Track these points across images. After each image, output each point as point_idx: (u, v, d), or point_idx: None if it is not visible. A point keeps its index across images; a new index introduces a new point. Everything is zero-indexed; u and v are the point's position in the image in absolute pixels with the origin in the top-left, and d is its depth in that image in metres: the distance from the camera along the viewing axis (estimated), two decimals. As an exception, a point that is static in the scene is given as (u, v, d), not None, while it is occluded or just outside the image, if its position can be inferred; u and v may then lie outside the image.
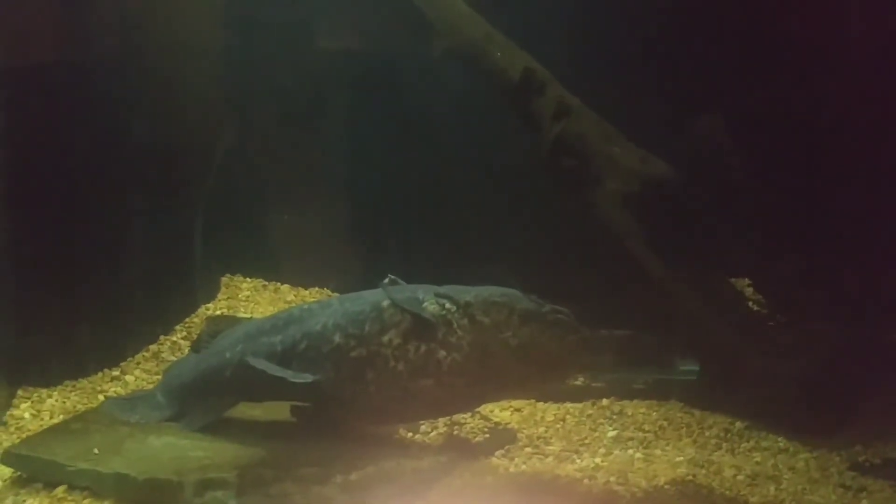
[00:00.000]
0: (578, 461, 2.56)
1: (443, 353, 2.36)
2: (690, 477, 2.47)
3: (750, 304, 3.04)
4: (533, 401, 2.98)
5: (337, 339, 2.41)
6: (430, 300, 2.40)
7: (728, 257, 3.03)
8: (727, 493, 2.45)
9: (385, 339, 2.37)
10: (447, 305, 2.39)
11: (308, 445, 2.48)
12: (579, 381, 3.08)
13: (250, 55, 3.25)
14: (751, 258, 3.05)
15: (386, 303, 2.41)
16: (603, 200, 2.94)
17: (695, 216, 3.01)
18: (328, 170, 3.42)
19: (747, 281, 3.06)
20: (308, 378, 2.40)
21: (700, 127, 3.03)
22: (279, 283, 3.52)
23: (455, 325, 2.36)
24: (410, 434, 2.64)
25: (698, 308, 2.94)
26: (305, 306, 2.62)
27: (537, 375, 2.48)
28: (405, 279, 2.58)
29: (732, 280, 3.09)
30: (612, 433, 2.76)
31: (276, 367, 2.43)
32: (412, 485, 2.45)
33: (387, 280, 2.58)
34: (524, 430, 2.73)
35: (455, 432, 2.69)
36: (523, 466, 2.54)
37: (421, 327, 2.36)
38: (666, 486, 2.44)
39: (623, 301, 2.92)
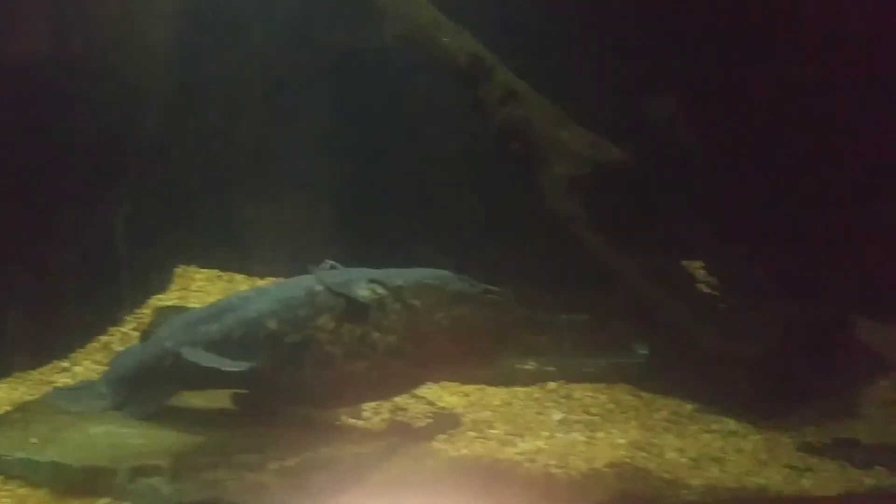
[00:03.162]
0: (521, 444, 2.54)
1: (377, 335, 2.37)
2: (629, 459, 2.46)
3: (702, 286, 3.05)
4: (483, 385, 2.98)
5: (272, 325, 2.41)
6: (362, 284, 2.41)
7: (681, 240, 3.04)
8: (667, 475, 2.44)
9: (319, 323, 2.37)
10: (379, 289, 2.39)
11: (246, 432, 2.47)
12: (530, 366, 3.05)
13: (200, 46, 3.26)
14: (704, 241, 3.07)
15: (319, 287, 2.41)
16: (550, 184, 2.94)
17: (646, 199, 3.02)
18: (282, 159, 3.44)
19: (700, 263, 3.09)
20: (242, 366, 2.38)
21: (653, 109, 3.04)
22: (233, 273, 3.51)
23: (388, 308, 2.37)
24: (352, 420, 2.61)
25: (648, 290, 2.95)
26: (242, 294, 2.63)
27: (473, 356, 2.49)
28: (358, 265, 2.57)
29: (686, 263, 3.12)
30: (558, 416, 2.75)
31: (209, 356, 2.42)
32: (350, 470, 2.44)
33: (325, 265, 2.61)
34: (469, 415, 2.72)
35: (398, 417, 2.69)
36: (464, 450, 2.52)
37: (354, 310, 2.36)
38: (604, 469, 2.43)
39: (574, 285, 2.95)
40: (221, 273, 3.46)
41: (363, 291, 2.38)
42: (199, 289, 3.35)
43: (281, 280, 2.65)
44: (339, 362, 2.35)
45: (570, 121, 2.98)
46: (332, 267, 2.55)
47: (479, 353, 2.46)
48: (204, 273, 3.46)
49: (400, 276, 2.43)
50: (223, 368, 2.38)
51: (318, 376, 2.38)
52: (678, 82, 3.04)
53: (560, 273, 3.05)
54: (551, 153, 2.93)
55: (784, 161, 3.11)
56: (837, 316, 3.10)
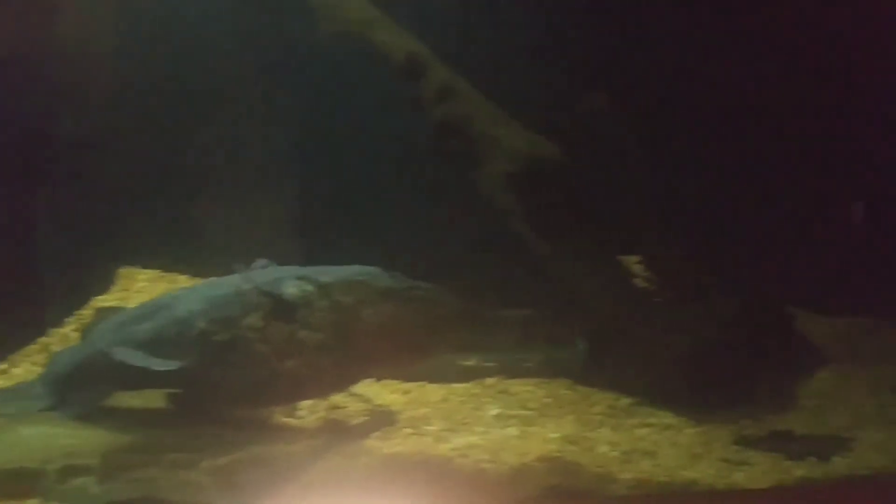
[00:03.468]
0: (455, 440, 2.55)
1: (305, 333, 2.39)
2: (559, 453, 2.47)
3: (639, 281, 3.07)
4: (424, 382, 2.99)
5: (201, 324, 2.42)
6: (290, 282, 2.42)
7: (617, 235, 3.07)
8: (597, 469, 2.45)
9: (247, 322, 2.39)
10: (306, 286, 2.41)
11: (180, 431, 2.47)
12: (470, 362, 3.07)
13: (141, 43, 3.25)
14: (641, 236, 3.09)
15: (248, 286, 2.42)
16: (487, 181, 2.98)
17: (583, 195, 3.04)
18: (225, 158, 3.43)
19: (637, 258, 3.11)
20: (171, 365, 2.40)
21: (585, 105, 3.06)
22: (177, 274, 3.52)
23: (315, 306, 2.40)
24: (287, 418, 2.62)
25: (585, 285, 2.98)
26: (174, 293, 2.64)
27: (404, 352, 2.52)
28: (300, 263, 2.61)
29: (623, 258, 3.14)
30: (494, 412, 2.76)
31: (140, 356, 2.42)
32: (283, 468, 2.46)
33: (259, 263, 2.62)
34: (407, 412, 2.73)
35: (334, 416, 2.70)
36: (399, 447, 2.53)
37: (281, 309, 2.38)
38: (535, 463, 2.45)
39: (510, 281, 2.97)
40: (164, 273, 3.45)
41: (291, 289, 2.40)
42: (141, 289, 3.34)
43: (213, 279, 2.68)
44: (269, 361, 2.37)
45: (506, 118, 3.01)
46: (266, 265, 2.59)
47: (409, 349, 2.48)
48: (147, 273, 3.45)
49: (328, 273, 2.45)
50: (152, 368, 2.40)
51: (248, 375, 2.39)
52: (612, 78, 3.08)
53: (502, 269, 3.08)
54: (488, 150, 2.95)
55: (722, 155, 3.16)
56: (776, 309, 3.16)
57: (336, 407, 2.72)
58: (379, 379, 2.95)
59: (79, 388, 2.56)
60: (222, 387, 2.42)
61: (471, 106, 2.97)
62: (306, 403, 2.70)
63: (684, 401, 2.85)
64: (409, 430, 2.62)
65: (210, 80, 3.22)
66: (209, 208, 3.31)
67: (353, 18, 3.03)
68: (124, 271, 3.46)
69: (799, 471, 2.56)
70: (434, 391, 2.90)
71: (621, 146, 3.01)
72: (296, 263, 2.62)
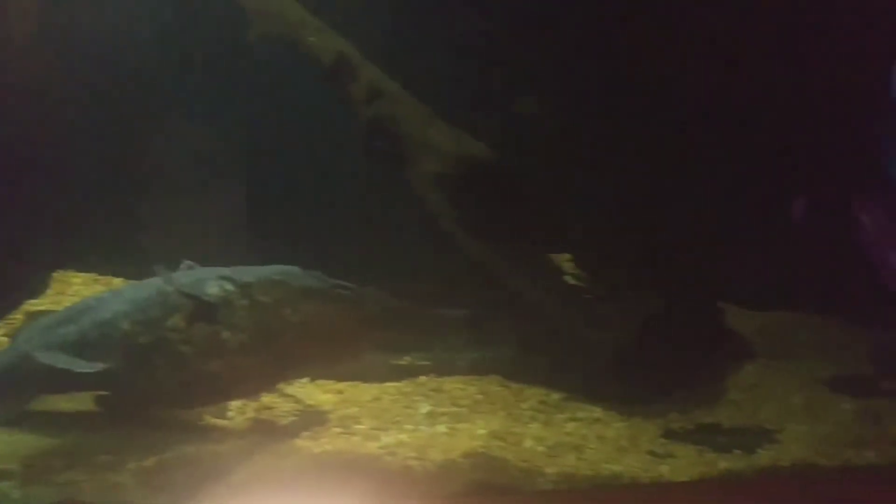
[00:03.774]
0: (384, 438, 2.56)
1: (227, 334, 2.41)
2: (485, 449, 2.49)
3: (569, 278, 3.11)
4: (358, 382, 2.99)
5: (124, 325, 2.44)
6: (212, 282, 2.45)
7: (549, 234, 3.10)
8: (523, 464, 2.48)
9: (170, 323, 2.41)
10: (228, 286, 2.43)
11: (106, 434, 2.48)
12: (404, 361, 3.08)
13: (71, 43, 3.23)
14: (572, 234, 3.13)
15: (170, 288, 2.45)
16: (417, 181, 3.00)
17: (513, 194, 3.08)
18: (158, 160, 3.42)
19: (568, 256, 3.14)
20: (95, 367, 2.40)
21: (519, 106, 3.09)
22: (111, 277, 3.51)
23: (236, 306, 2.42)
24: (216, 419, 2.61)
25: (516, 283, 3.01)
26: (99, 295, 2.64)
27: (328, 352, 2.54)
28: (231, 264, 2.61)
29: (554, 256, 3.18)
30: (425, 410, 2.77)
31: (63, 358, 2.43)
32: (210, 469, 2.46)
33: (184, 265, 2.62)
34: (337, 411, 2.73)
35: (263, 416, 2.70)
36: (328, 447, 2.53)
37: (203, 310, 2.40)
38: (460, 460, 2.46)
39: (441, 280, 2.99)
40: (99, 277, 3.44)
41: (212, 290, 2.42)
42: (75, 293, 3.30)
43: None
44: (192, 362, 2.39)
45: (436, 118, 3.04)
46: (191, 267, 2.60)
47: (333, 349, 2.52)
48: (81, 277, 3.42)
49: (249, 273, 2.47)
50: (75, 370, 2.41)
51: (172, 376, 2.41)
52: (545, 79, 3.12)
53: (435, 269, 3.10)
54: (418, 150, 2.99)
55: (652, 153, 3.20)
56: (705, 304, 3.21)
57: (266, 407, 2.72)
58: (313, 379, 2.99)
59: (4, 393, 2.54)
60: (147, 388, 2.44)
61: (400, 106, 2.99)
62: (235, 404, 2.70)
63: (613, 395, 2.90)
64: (338, 430, 2.62)
65: (140, 82, 3.23)
66: (144, 211, 3.31)
67: (282, 20, 3.03)
68: (58, 275, 3.42)
69: (723, 463, 2.61)
70: (366, 390, 2.90)
71: (552, 147, 3.06)
72: (229, 265, 2.63)
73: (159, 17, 3.08)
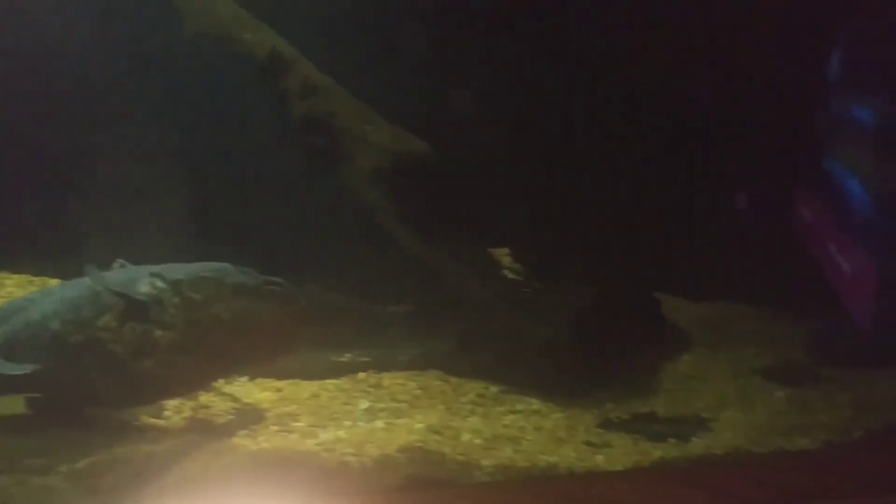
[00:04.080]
0: (322, 435, 2.55)
1: (159, 332, 2.39)
2: (422, 443, 2.50)
3: (507, 272, 3.14)
4: (297, 380, 2.98)
5: (55, 325, 2.40)
6: (143, 281, 2.42)
7: (486, 228, 3.12)
8: (459, 457, 2.49)
9: (101, 322, 2.37)
10: (158, 284, 2.40)
11: (37, 436, 2.43)
12: (345, 358, 3.08)
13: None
14: (509, 228, 3.16)
15: (100, 287, 2.41)
16: (353, 177, 3.01)
17: (451, 189, 3.09)
18: (94, 159, 3.37)
19: (506, 251, 3.17)
20: (24, 368, 2.36)
21: (453, 102, 3.11)
22: (47, 278, 3.46)
23: (166, 304, 2.40)
24: (152, 419, 2.59)
25: (454, 277, 3.03)
26: (30, 295, 2.61)
27: (262, 349, 2.52)
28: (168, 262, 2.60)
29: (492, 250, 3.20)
30: (364, 406, 2.77)
31: None
32: (144, 469, 2.43)
33: (117, 264, 2.60)
34: (276, 409, 2.72)
35: (200, 415, 2.69)
36: (265, 444, 2.52)
37: (134, 308, 2.37)
38: (397, 455, 2.46)
39: (379, 276, 3.00)
40: (33, 278, 3.38)
41: (143, 288, 2.39)
42: (8, 294, 3.24)
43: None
44: (124, 361, 2.36)
45: (372, 114, 3.06)
46: (123, 265, 2.57)
47: (266, 345, 2.50)
48: (14, 279, 3.36)
49: (179, 271, 2.45)
50: (4, 372, 2.36)
51: (104, 377, 2.38)
52: (481, 75, 3.14)
53: (375, 265, 3.10)
54: (354, 146, 3.01)
55: (588, 147, 3.24)
56: (642, 295, 3.26)
57: (203, 406, 2.71)
58: (252, 377, 2.98)
59: (-66, 397, 2.60)
60: (79, 389, 2.41)
61: (335, 102, 3.01)
62: (172, 403, 2.68)
63: (552, 387, 2.93)
64: (276, 428, 2.61)
65: (75, 80, 3.18)
66: (79, 211, 3.27)
67: (216, 17, 3.03)
68: (-8, 276, 3.46)
69: (658, 452, 2.65)
70: (306, 388, 2.89)
71: (488, 142, 3.08)
72: (163, 263, 2.63)
73: (92, 16, 3.06)
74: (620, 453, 2.64)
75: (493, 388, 2.92)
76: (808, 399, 2.92)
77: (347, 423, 2.66)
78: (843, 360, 3.24)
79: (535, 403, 2.87)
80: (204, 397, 2.73)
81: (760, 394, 2.96)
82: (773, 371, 3.15)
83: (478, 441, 2.57)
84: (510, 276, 3.12)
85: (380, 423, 2.65)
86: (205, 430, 2.59)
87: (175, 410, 2.66)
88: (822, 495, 2.62)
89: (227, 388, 2.82)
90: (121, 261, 2.55)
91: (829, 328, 3.43)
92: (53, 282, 3.51)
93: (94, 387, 2.39)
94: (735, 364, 3.19)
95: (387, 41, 3.09)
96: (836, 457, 2.75)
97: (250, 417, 2.67)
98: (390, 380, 2.95)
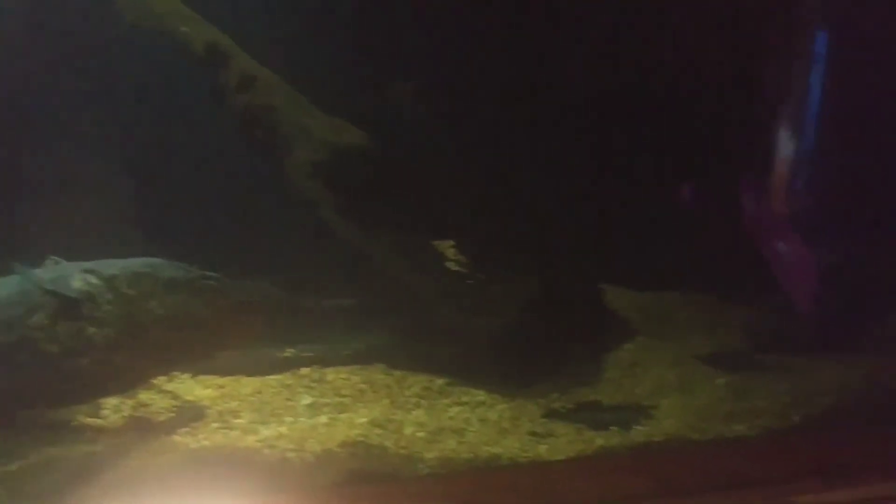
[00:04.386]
0: (264, 432, 2.53)
1: (93, 330, 2.35)
2: (364, 438, 2.49)
3: (452, 264, 3.14)
4: (240, 376, 2.94)
5: (-17, 326, 2.41)
6: (76, 277, 2.37)
7: (430, 221, 3.12)
8: (402, 451, 2.49)
9: (33, 321, 2.32)
10: (91, 280, 2.36)
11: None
12: (288, 353, 3.07)
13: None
14: (453, 220, 3.16)
15: (31, 285, 2.35)
16: (293, 170, 2.98)
17: (394, 182, 3.08)
18: (28, 155, 3.30)
19: (450, 243, 3.17)
20: (-49, 370, 2.36)
21: (393, 93, 3.10)
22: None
23: (100, 300, 2.35)
24: (90, 419, 2.54)
25: (398, 270, 3.03)
26: (-42, 296, 2.58)
27: (199, 345, 2.49)
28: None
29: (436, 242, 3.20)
30: (307, 401, 2.76)
31: None
32: (80, 470, 2.40)
33: (50, 261, 2.55)
34: (217, 406, 2.69)
35: (139, 414, 2.65)
36: (205, 442, 2.49)
37: (66, 306, 2.33)
38: (338, 450, 2.46)
39: (322, 270, 2.98)
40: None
41: (76, 284, 2.35)
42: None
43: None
44: (58, 360, 2.31)
45: (312, 107, 3.03)
46: (56, 263, 2.52)
47: (203, 341, 2.47)
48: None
49: (114, 266, 2.40)
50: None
51: (38, 376, 2.32)
52: (423, 67, 3.13)
53: (319, 259, 3.08)
54: (294, 139, 2.98)
55: (534, 139, 3.25)
56: (585, 285, 3.28)
57: (142, 405, 2.67)
58: (193, 374, 2.95)
59: None
60: (12, 389, 2.34)
61: (274, 94, 2.96)
62: (111, 402, 2.64)
63: (497, 378, 2.93)
64: (217, 425, 2.58)
65: (3, 73, 3.11)
66: (7, 207, 3.19)
67: (152, 10, 2.96)
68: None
69: (600, 440, 2.68)
70: (248, 384, 2.86)
71: (430, 133, 3.07)
72: (101, 259, 2.60)
73: (24, 9, 2.98)
74: (564, 442, 2.65)
75: (439, 381, 2.92)
76: (748, 385, 2.96)
77: (289, 418, 2.64)
78: (782, 346, 3.32)
79: (481, 395, 2.87)
80: (143, 395, 2.69)
81: (701, 381, 2.99)
82: (713, 358, 3.18)
83: (421, 434, 2.58)
84: (454, 268, 3.13)
85: (322, 419, 2.63)
86: (144, 429, 2.55)
87: (113, 409, 2.62)
88: (760, 481, 2.66)
89: (168, 386, 2.79)
90: (54, 258, 2.51)
91: (770, 315, 3.51)
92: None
93: (28, 387, 2.33)
94: (677, 352, 3.21)
95: (327, 32, 3.08)
96: (774, 442, 2.82)
97: (191, 415, 2.64)
98: (334, 374, 2.93)
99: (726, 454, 2.69)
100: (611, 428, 2.73)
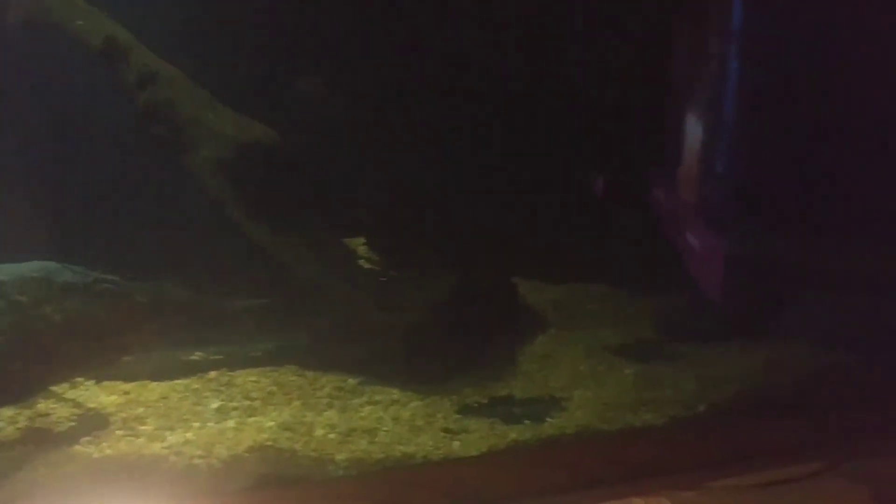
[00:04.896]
0: (170, 438, 2.47)
1: (-15, 339, 2.30)
2: (272, 442, 2.45)
3: (363, 262, 3.12)
4: (146, 381, 2.86)
5: None
6: (-34, 284, 2.31)
7: (340, 218, 3.10)
8: (312, 453, 2.45)
9: (-82, 333, 2.28)
10: (-20, 287, 2.31)
11: None
12: (196, 356, 3.00)
13: None
14: (364, 217, 3.14)
15: (-85, 295, 2.30)
16: (197, 168, 2.91)
17: (300, 179, 3.04)
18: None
19: (361, 240, 3.15)
20: None
21: (300, 88, 3.06)
22: None
23: None
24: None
25: (308, 269, 2.99)
26: None
27: (96, 350, 2.42)
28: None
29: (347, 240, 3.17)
30: (215, 405, 2.69)
31: None
32: (-26, 486, 2.36)
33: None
34: (121, 413, 2.60)
35: (38, 424, 2.57)
36: (109, 451, 2.41)
37: (-45, 316, 2.27)
38: (246, 454, 2.41)
39: (229, 270, 2.93)
40: None
41: (-33, 290, 2.29)
42: None
43: None
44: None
45: (217, 102, 2.96)
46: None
47: (102, 346, 2.41)
48: None
49: (3, 272, 2.31)
50: None
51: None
52: (331, 62, 3.09)
53: (227, 259, 3.02)
54: (197, 136, 2.91)
55: (443, 136, 3.24)
56: (498, 280, 3.30)
57: (41, 414, 2.56)
58: (98, 381, 2.86)
59: None
60: None
61: (176, 90, 2.88)
62: (7, 413, 2.53)
63: (411, 375, 2.91)
64: (121, 432, 2.50)
65: None
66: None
67: (46, 3, 2.87)
68: None
69: (513, 434, 2.69)
70: (155, 389, 2.77)
71: (339, 129, 3.04)
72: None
73: None
74: (477, 438, 2.65)
75: (352, 381, 2.87)
76: (656, 375, 3.01)
77: (197, 424, 2.57)
78: (691, 335, 3.40)
79: (395, 393, 2.84)
80: (42, 404, 2.59)
81: (611, 371, 3.03)
82: (623, 349, 3.23)
83: (332, 435, 2.54)
84: (366, 266, 3.11)
85: (231, 423, 2.57)
86: (43, 440, 2.45)
87: (9, 421, 2.51)
88: (670, 468, 2.73)
89: (70, 393, 2.70)
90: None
91: (678, 305, 3.58)
92: None
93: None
94: (589, 343, 3.24)
95: (231, 26, 3.01)
96: (682, 429, 2.88)
97: (94, 423, 2.55)
98: (243, 377, 2.86)
99: (635, 444, 2.74)
100: (524, 421, 2.77)
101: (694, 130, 3.74)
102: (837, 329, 3.52)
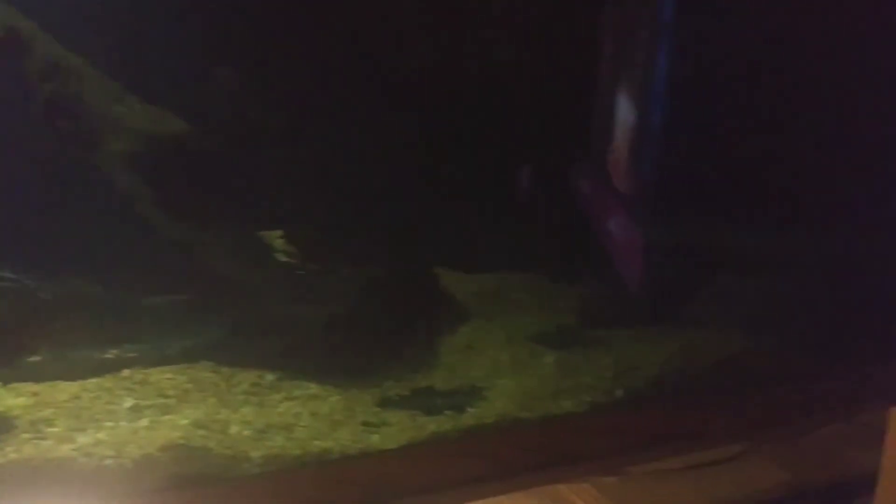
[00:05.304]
0: (80, 439, 2.40)
1: None
2: (184, 441, 2.41)
3: (280, 255, 3.09)
4: (57, 381, 2.79)
5: None
6: None
7: (256, 211, 3.05)
8: (227, 451, 2.42)
9: None
10: None
11: None
12: (110, 354, 2.95)
13: None
14: (280, 210, 3.10)
15: None
16: (105, 162, 2.85)
17: (214, 172, 2.99)
18: None
19: (279, 233, 3.12)
20: None
21: (214, 80, 3.00)
22: None
23: None
24: None
25: (222, 264, 2.94)
26: None
27: (1, 350, 2.37)
28: None
29: (264, 233, 3.13)
30: (129, 404, 2.63)
31: None
32: None
33: None
34: (28, 416, 2.51)
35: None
36: (13, 455, 2.33)
37: None
38: (158, 454, 2.37)
39: (142, 266, 2.87)
40: None
41: None
42: None
43: None
44: None
45: (127, 95, 2.89)
46: None
47: (6, 346, 2.36)
48: None
49: None
50: None
51: None
52: (247, 52, 3.04)
53: (136, 254, 2.95)
54: (106, 129, 2.84)
55: (362, 127, 3.21)
56: (419, 271, 3.30)
57: (-59, 420, 2.56)
58: (5, 382, 2.78)
59: None
60: None
61: (83, 82, 2.82)
62: None
63: (331, 370, 2.90)
64: (28, 436, 2.42)
65: None
66: None
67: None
68: None
69: (433, 425, 2.70)
70: (66, 389, 2.67)
71: (254, 120, 2.99)
72: None
73: None
74: (396, 430, 2.65)
75: (269, 376, 2.83)
76: (575, 362, 3.04)
77: (109, 423, 2.51)
78: (611, 322, 3.44)
79: (314, 388, 2.80)
80: (-57, 410, 2.57)
81: (531, 360, 3.05)
82: (544, 336, 3.26)
83: (247, 433, 2.50)
84: (283, 259, 3.07)
85: (144, 422, 2.52)
86: (-57, 447, 2.44)
87: None
88: (590, 455, 2.76)
89: (-27, 397, 2.68)
90: None
91: (599, 292, 3.62)
92: None
93: None
94: (510, 332, 3.25)
95: (142, 14, 2.93)
96: (601, 417, 2.91)
97: (-2, 427, 2.55)
98: (158, 375, 2.78)
99: (553, 431, 2.76)
100: (445, 412, 2.78)
101: (615, 120, 3.78)
102: (755, 313, 3.61)
